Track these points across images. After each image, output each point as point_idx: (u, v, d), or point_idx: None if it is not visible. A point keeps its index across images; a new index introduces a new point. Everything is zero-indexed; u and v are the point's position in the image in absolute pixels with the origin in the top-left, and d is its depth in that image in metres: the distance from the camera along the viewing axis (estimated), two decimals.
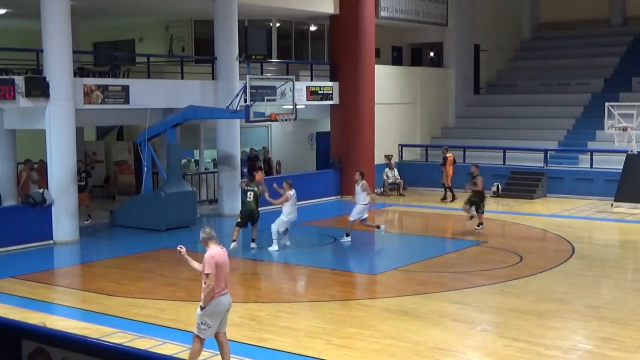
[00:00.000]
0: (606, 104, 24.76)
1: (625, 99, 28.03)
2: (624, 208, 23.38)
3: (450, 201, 25.57)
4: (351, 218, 18.81)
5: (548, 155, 27.90)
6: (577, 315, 12.59)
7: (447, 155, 26.33)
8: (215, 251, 9.52)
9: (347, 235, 18.89)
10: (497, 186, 27.02)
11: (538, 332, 11.68)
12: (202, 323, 9.44)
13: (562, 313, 12.71)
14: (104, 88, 20.25)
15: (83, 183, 20.96)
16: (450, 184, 25.90)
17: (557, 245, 17.46)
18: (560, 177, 26.85)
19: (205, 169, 26.33)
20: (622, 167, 24.05)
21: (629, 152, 23.87)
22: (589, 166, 26.80)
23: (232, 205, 22.85)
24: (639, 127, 23.78)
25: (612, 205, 23.82)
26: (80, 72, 21.80)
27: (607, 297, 13.85)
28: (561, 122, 30.42)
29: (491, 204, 25.29)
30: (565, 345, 11.11)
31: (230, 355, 9.75)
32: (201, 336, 9.52)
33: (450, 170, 25.98)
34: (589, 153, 27.15)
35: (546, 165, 27.54)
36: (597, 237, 20.59)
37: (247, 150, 26.99)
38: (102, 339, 10.19)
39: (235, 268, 16.67)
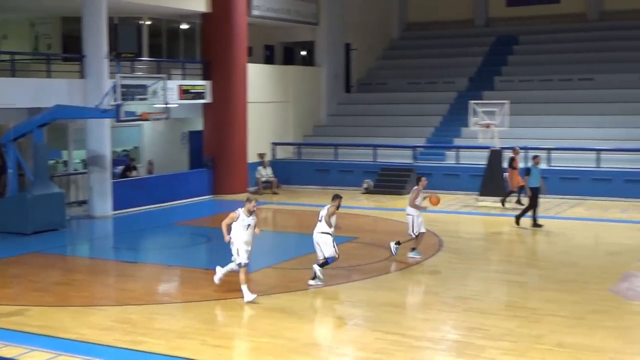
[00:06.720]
0: (470, 102, 25.67)
1: (488, 97, 29.18)
2: (488, 202, 24.35)
3: None
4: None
5: (417, 151, 28.70)
6: (447, 306, 13.02)
7: None
8: None
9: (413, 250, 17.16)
10: (368, 183, 27.55)
11: (409, 324, 12.04)
12: None
13: (432, 305, 13.14)
14: None
15: None
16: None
17: (427, 239, 17.95)
18: (428, 172, 27.61)
19: (74, 170, 25.62)
20: (486, 163, 25.01)
21: (492, 148, 24.86)
22: (455, 162, 27.76)
23: (103, 206, 22.45)
24: (501, 124, 24.76)
25: (476, 199, 24.77)
26: None
27: (474, 288, 14.40)
28: (429, 119, 31.27)
29: (362, 200, 25.82)
30: (435, 336, 11.50)
31: None
32: None
33: None
34: (455, 149, 28.11)
35: (415, 162, 28.31)
36: (464, 230, 21.35)
37: (119, 150, 26.38)
38: None
39: (106, 270, 16.39)
